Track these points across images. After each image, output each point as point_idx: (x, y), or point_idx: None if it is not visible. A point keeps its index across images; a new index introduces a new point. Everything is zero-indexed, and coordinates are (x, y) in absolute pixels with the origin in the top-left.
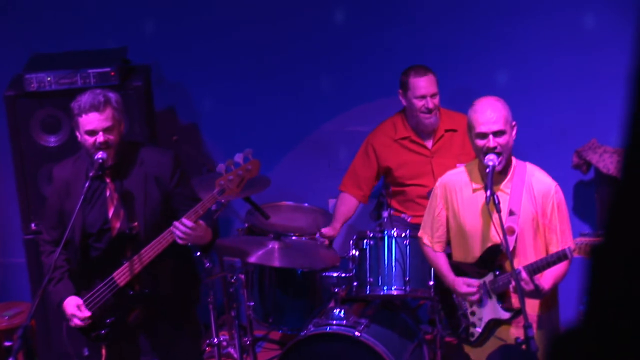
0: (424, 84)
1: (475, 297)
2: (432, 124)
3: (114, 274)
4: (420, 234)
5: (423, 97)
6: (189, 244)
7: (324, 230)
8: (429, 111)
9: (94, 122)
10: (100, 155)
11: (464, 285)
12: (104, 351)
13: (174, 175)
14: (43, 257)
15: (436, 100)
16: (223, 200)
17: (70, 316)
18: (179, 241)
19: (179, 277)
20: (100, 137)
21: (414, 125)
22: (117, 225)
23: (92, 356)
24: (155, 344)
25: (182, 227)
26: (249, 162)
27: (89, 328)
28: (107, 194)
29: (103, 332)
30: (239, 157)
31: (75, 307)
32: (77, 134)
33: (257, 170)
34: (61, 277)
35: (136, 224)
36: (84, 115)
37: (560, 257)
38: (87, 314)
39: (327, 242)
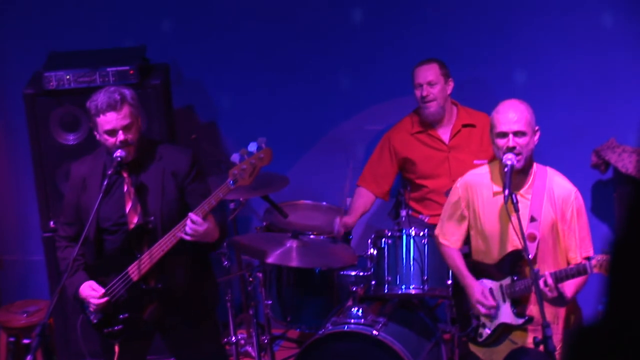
0: (419, 72)
1: (484, 311)
2: (432, 114)
3: (129, 268)
4: (436, 232)
5: (420, 85)
6: (197, 240)
7: (345, 219)
8: (424, 100)
9: (112, 122)
10: (118, 153)
11: (480, 294)
12: (116, 348)
13: (191, 171)
14: (58, 252)
15: (434, 89)
16: (242, 199)
17: (86, 298)
18: (187, 237)
19: (194, 273)
20: (120, 136)
21: (424, 118)
22: (135, 219)
23: (105, 354)
24: (171, 343)
25: (190, 224)
26: (261, 151)
27: (102, 324)
28: (125, 188)
29: (116, 328)
30: (252, 146)
31: (89, 289)
32: (96, 133)
33: (270, 158)
34: (76, 270)
35: (152, 218)
36: (101, 116)
37: (580, 271)
38: (102, 291)
39: (342, 231)
